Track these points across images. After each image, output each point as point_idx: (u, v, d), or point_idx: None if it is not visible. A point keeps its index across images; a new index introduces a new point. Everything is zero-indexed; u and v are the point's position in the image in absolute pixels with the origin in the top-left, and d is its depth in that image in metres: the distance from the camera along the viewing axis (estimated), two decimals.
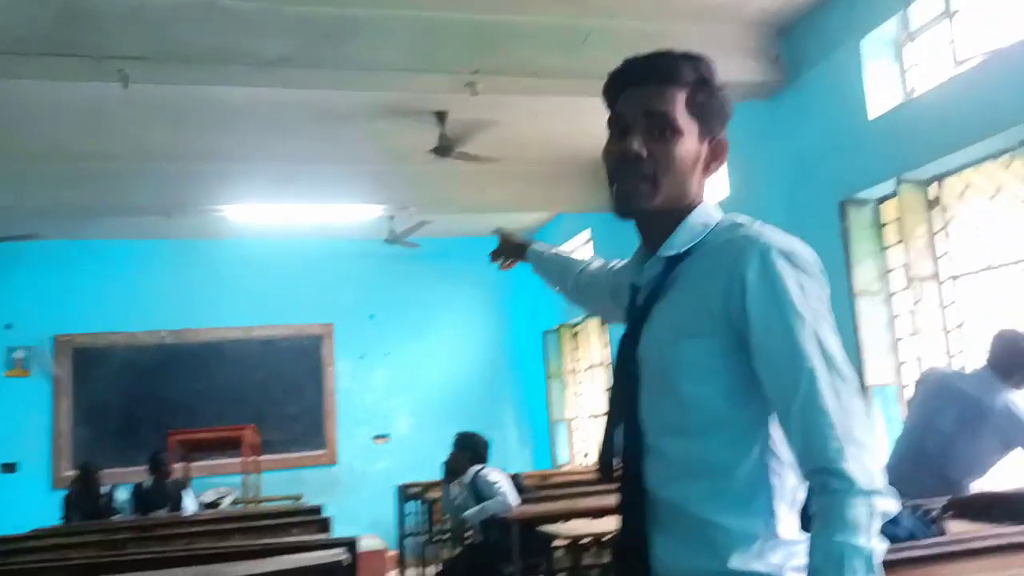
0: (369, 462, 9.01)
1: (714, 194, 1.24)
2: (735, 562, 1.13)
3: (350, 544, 3.11)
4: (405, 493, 7.36)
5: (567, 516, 4.44)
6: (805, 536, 1.17)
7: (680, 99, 1.21)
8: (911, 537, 2.15)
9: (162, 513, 6.06)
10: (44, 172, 6.20)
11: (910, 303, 4.15)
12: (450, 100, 5.54)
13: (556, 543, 4.21)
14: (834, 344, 1.12)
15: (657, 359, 1.21)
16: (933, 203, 4.17)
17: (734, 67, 4.81)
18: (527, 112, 5.92)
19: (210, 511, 6.69)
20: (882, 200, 4.45)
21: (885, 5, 4.23)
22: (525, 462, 9.28)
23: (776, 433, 1.16)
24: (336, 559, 2.83)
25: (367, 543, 6.25)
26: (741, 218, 1.23)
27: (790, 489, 1.17)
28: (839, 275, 4.34)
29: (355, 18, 4.32)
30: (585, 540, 4.06)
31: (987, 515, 2.63)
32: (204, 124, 5.79)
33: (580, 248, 8.75)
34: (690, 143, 1.21)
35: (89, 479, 6.46)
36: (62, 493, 6.79)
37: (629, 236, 1.30)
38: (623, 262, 1.59)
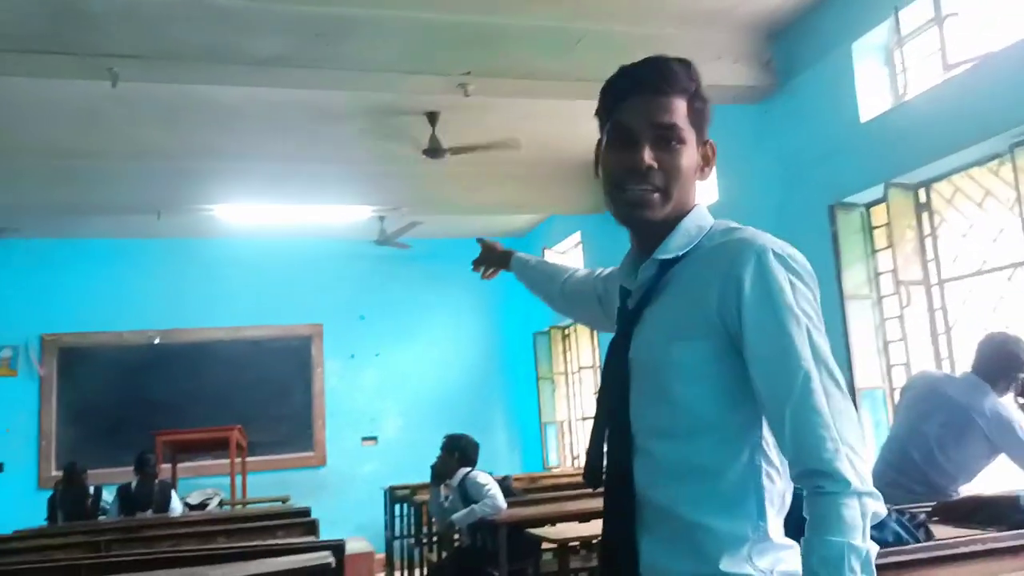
0: (357, 464, 8.99)
1: (704, 199, 1.24)
2: (724, 565, 1.12)
3: (337, 547, 3.09)
4: (393, 496, 7.33)
5: (555, 519, 4.43)
6: (792, 541, 1.17)
7: (682, 108, 1.22)
8: (898, 542, 2.16)
9: (148, 514, 6.01)
10: (33, 169, 6.16)
11: (899, 307, 4.16)
12: (442, 101, 5.54)
13: (544, 546, 4.20)
14: (826, 347, 1.13)
15: (649, 361, 1.21)
16: (923, 207, 4.19)
17: (726, 71, 4.82)
18: (519, 114, 5.91)
19: (196, 512, 6.65)
20: (872, 204, 4.46)
21: (876, 10, 4.25)
22: (515, 465, 9.28)
23: (768, 436, 1.16)
24: (322, 562, 2.81)
25: (354, 546, 6.23)
26: (733, 223, 1.24)
27: (779, 492, 1.17)
28: (829, 279, 4.35)
29: (348, 18, 4.31)
30: (573, 543, 4.05)
31: (973, 520, 2.63)
32: (196, 122, 5.76)
33: (571, 250, 8.76)
34: (692, 151, 1.24)
35: (75, 479, 6.41)
36: (48, 493, 6.74)
37: (620, 239, 1.30)
38: (609, 269, 1.59)
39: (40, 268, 8.37)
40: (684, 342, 1.17)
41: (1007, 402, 3.16)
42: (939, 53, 4.00)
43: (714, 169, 1.32)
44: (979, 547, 2.08)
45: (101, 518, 6.25)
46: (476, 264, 2.00)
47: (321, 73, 4.39)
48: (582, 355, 8.59)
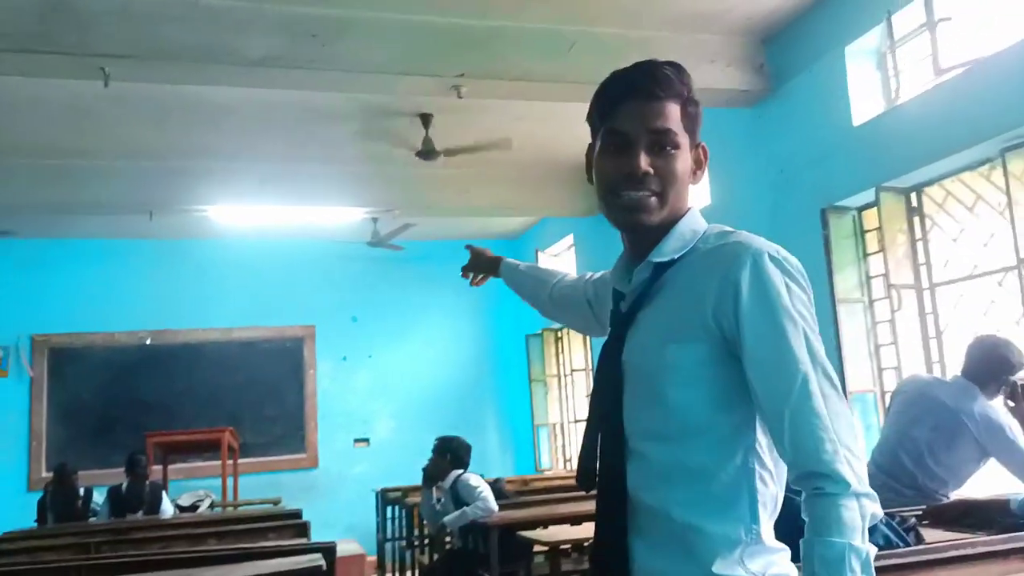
0: (349, 466, 8.97)
1: (697, 202, 1.25)
2: (717, 567, 1.12)
3: (327, 549, 3.08)
4: (385, 498, 7.32)
5: (547, 522, 4.42)
6: (783, 545, 1.17)
7: (676, 113, 1.23)
8: (888, 545, 2.16)
9: (138, 516, 5.98)
10: (24, 168, 6.13)
11: (890, 311, 4.17)
12: (435, 103, 5.53)
13: (536, 549, 4.19)
14: (822, 350, 1.14)
15: (643, 364, 1.21)
16: (914, 211, 4.20)
17: (719, 75, 4.83)
18: (512, 116, 5.92)
19: (187, 514, 6.62)
20: (864, 208, 4.48)
21: (869, 14, 4.26)
22: (507, 467, 9.27)
23: (763, 438, 1.17)
24: (313, 564, 2.80)
25: (345, 548, 6.21)
26: (727, 228, 1.25)
27: (771, 495, 1.17)
28: (820, 282, 4.36)
29: (342, 19, 4.30)
30: (565, 546, 4.05)
31: (963, 523, 2.64)
32: (188, 122, 5.74)
33: (564, 252, 8.76)
34: (686, 155, 1.25)
35: (65, 481, 6.36)
36: (38, 495, 6.70)
37: (613, 241, 1.30)
38: (599, 274, 1.59)
39: (31, 268, 8.33)
40: (678, 345, 1.17)
41: (997, 405, 3.17)
42: (931, 58, 4.02)
43: (707, 172, 1.32)
44: (969, 551, 2.08)
45: (91, 520, 6.21)
46: (465, 270, 2.00)
47: (315, 74, 4.38)
48: (575, 357, 8.59)
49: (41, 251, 8.33)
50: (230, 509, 7.20)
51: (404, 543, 6.94)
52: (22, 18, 3.88)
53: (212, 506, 7.17)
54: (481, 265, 1.96)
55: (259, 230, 8.25)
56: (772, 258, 1.15)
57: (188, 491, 7.31)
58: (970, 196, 3.97)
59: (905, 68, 4.31)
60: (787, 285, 1.14)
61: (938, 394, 3.23)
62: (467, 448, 4.99)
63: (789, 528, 1.22)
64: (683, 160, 1.24)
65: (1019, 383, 3.14)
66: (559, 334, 8.86)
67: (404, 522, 6.98)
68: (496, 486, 5.10)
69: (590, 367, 8.09)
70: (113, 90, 4.33)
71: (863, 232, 4.52)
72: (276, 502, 7.52)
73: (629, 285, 1.28)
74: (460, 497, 4.72)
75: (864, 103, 4.36)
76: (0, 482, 7.99)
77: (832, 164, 4.47)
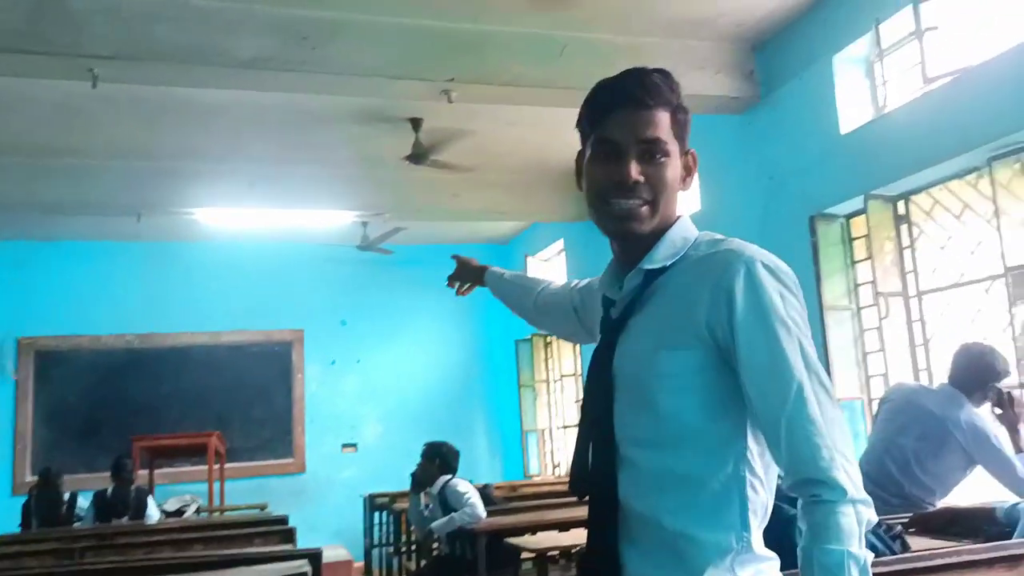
0: (337, 471, 8.93)
1: (686, 209, 1.25)
2: (708, 575, 1.12)
3: (313, 555, 3.07)
4: (372, 503, 7.29)
5: (535, 528, 4.41)
6: (772, 553, 1.17)
7: (666, 121, 1.23)
8: (875, 553, 2.16)
9: (124, 521, 5.93)
10: (10, 168, 6.08)
11: (878, 318, 4.19)
12: (425, 107, 5.53)
13: (523, 556, 4.18)
14: (815, 357, 1.14)
15: (634, 371, 1.21)
16: (902, 219, 4.22)
17: (709, 81, 4.85)
18: (503, 121, 5.91)
19: (173, 520, 6.57)
20: (852, 216, 4.50)
21: (858, 23, 4.29)
22: (495, 473, 9.25)
23: (754, 446, 1.17)
24: (298, 571, 2.78)
25: (331, 554, 6.18)
26: (718, 235, 1.25)
27: (762, 503, 1.17)
28: (808, 289, 4.38)
29: (333, 22, 4.29)
30: (553, 553, 4.04)
31: (949, 531, 2.65)
32: (178, 122, 5.71)
33: (554, 257, 8.76)
34: (676, 162, 1.25)
35: (50, 485, 6.31)
36: (22, 499, 6.63)
37: (602, 247, 1.30)
38: (585, 281, 1.59)
39: (17, 270, 8.26)
40: (670, 352, 1.17)
41: (983, 413, 3.18)
42: (919, 66, 4.04)
43: (696, 179, 1.32)
44: (955, 559, 2.09)
45: (76, 525, 6.16)
46: (451, 280, 2.00)
47: (305, 76, 4.37)
48: (564, 363, 8.58)
49: (27, 253, 8.26)
50: (216, 514, 7.15)
51: (391, 549, 6.92)
52: (11, 17, 3.85)
53: (198, 511, 7.11)
54: (467, 274, 1.96)
55: (248, 233, 8.21)
56: (765, 266, 1.15)
57: (174, 496, 7.25)
58: (957, 204, 3.99)
59: (893, 77, 4.34)
60: (781, 293, 1.14)
61: (925, 402, 3.23)
62: (456, 453, 4.97)
63: (777, 536, 1.21)
64: (673, 167, 1.24)
65: (1005, 390, 3.16)
66: (548, 340, 8.85)
67: (392, 528, 6.96)
68: (484, 492, 5.08)
69: (579, 373, 8.09)
70: (103, 90, 4.31)
71: (851, 239, 4.53)
72: (263, 507, 7.48)
73: (620, 292, 1.28)
74: (448, 503, 4.70)
75: (852, 111, 4.38)
76: None
77: (820, 172, 4.49)
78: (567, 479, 1.33)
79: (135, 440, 6.99)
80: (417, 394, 9.24)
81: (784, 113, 4.81)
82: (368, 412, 9.19)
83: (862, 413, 4.39)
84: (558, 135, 6.05)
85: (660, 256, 1.23)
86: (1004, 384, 3.19)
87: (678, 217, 1.27)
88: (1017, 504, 2.60)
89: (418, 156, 5.89)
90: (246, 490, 8.03)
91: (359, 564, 7.49)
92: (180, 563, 3.21)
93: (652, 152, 1.22)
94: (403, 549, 6.51)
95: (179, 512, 6.90)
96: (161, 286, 8.59)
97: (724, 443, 1.16)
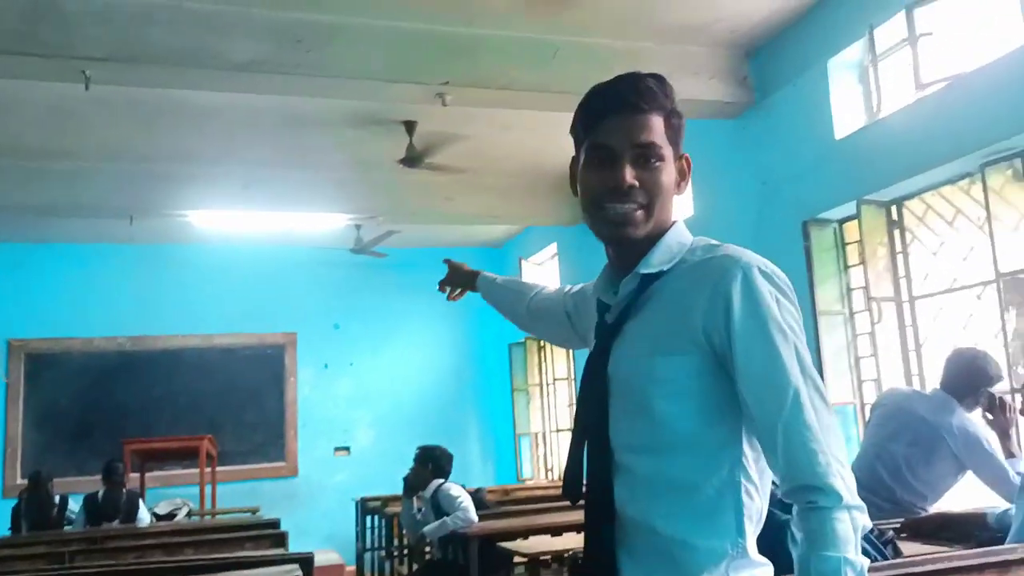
0: (329, 475, 8.90)
1: (680, 214, 1.25)
2: None
3: (305, 560, 3.05)
4: (365, 507, 7.27)
5: (528, 533, 4.40)
6: (766, 560, 1.16)
7: (660, 126, 1.23)
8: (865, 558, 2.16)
9: (115, 524, 5.90)
10: (2, 169, 6.04)
11: (870, 323, 4.20)
12: (419, 111, 5.53)
13: (516, 560, 4.17)
14: (811, 363, 1.14)
15: (629, 376, 1.21)
16: (894, 225, 4.24)
17: (703, 87, 4.86)
18: (497, 125, 5.92)
19: (164, 523, 6.54)
20: (845, 221, 4.51)
21: (852, 28, 4.30)
22: (488, 477, 9.24)
23: (749, 451, 1.17)
24: (290, 575, 2.77)
25: (323, 558, 6.16)
26: (714, 240, 1.26)
27: (757, 509, 1.17)
28: (802, 294, 4.34)
29: (327, 25, 4.28)
30: (545, 557, 4.03)
31: (940, 537, 2.65)
32: (172, 125, 5.69)
33: (548, 261, 8.77)
34: (671, 167, 1.25)
35: (40, 488, 6.27)
36: (12, 502, 6.59)
37: (596, 251, 1.30)
38: (578, 286, 1.59)
39: (8, 272, 8.22)
40: (666, 357, 1.17)
41: (975, 418, 3.19)
42: (912, 72, 4.06)
43: (690, 184, 1.32)
44: (946, 564, 2.09)
45: (67, 528, 6.13)
46: (442, 285, 1.98)
47: (299, 80, 4.36)
48: (557, 367, 8.58)
49: (18, 255, 8.23)
50: (208, 518, 7.12)
51: (383, 553, 6.90)
52: (3, 19, 3.83)
53: (190, 515, 7.08)
54: (458, 279, 1.95)
55: (241, 236, 8.19)
56: (762, 272, 1.16)
57: (166, 499, 7.22)
58: (950, 210, 4.01)
59: (887, 82, 4.35)
60: (777, 299, 1.15)
61: (917, 408, 3.24)
62: (448, 457, 4.97)
63: (769, 542, 1.21)
64: (668, 172, 1.24)
65: (997, 395, 3.16)
66: (542, 343, 8.85)
67: (384, 532, 6.94)
68: (477, 496, 5.07)
69: (573, 377, 8.09)
70: (96, 92, 4.29)
71: (844, 245, 4.55)
72: (254, 511, 7.45)
73: (615, 297, 1.28)
74: (441, 507, 4.69)
75: (846, 116, 4.39)
76: None
77: (814, 177, 4.50)
78: (560, 483, 1.32)
79: (126, 443, 6.96)
80: (410, 398, 9.22)
81: (778, 118, 4.82)
82: (361, 416, 9.17)
83: (854, 418, 4.39)
84: (552, 139, 6.06)
85: (656, 260, 1.23)
86: (996, 389, 3.20)
87: (673, 222, 1.27)
88: (1008, 509, 2.60)
89: (412, 159, 5.88)
90: (238, 494, 8.00)
91: (351, 568, 7.47)
92: (171, 567, 3.19)
93: (647, 157, 1.22)
94: (395, 553, 6.49)
95: (170, 516, 6.87)
96: (154, 288, 8.56)
97: (720, 449, 1.16)
